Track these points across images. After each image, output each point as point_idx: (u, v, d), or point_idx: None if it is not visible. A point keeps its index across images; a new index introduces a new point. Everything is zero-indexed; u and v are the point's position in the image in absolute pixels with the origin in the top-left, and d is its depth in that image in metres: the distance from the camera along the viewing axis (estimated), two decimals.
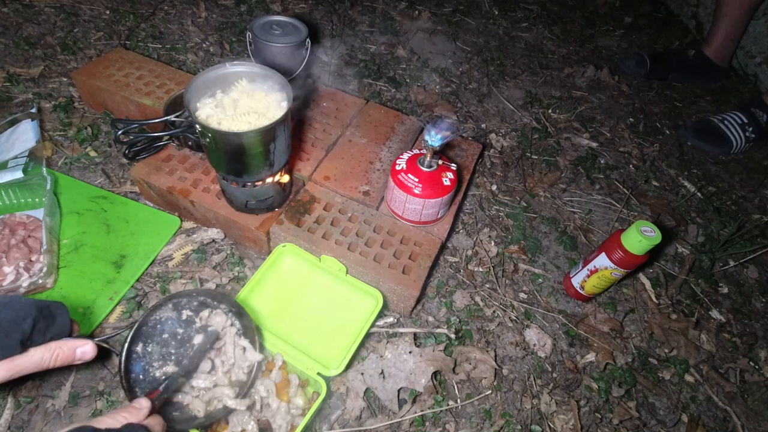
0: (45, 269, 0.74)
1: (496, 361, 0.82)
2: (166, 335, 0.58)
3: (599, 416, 0.80)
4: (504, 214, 1.07)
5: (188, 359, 0.57)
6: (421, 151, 0.82)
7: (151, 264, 0.83)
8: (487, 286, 0.93)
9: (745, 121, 1.33)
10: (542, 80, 1.49)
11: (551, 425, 0.77)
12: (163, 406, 0.55)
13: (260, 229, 0.83)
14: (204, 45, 1.32)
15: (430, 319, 0.86)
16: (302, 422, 0.62)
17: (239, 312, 0.62)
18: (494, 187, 1.13)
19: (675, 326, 0.93)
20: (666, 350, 0.91)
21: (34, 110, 0.97)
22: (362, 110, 1.07)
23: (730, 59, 1.61)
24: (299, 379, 0.69)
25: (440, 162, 0.81)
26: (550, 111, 1.38)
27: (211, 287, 0.82)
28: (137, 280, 0.81)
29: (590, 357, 0.86)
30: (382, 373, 0.76)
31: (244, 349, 0.61)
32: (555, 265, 1.00)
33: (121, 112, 1.04)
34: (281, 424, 0.63)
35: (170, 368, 0.56)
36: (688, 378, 0.87)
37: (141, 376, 0.55)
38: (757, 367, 0.91)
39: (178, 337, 0.59)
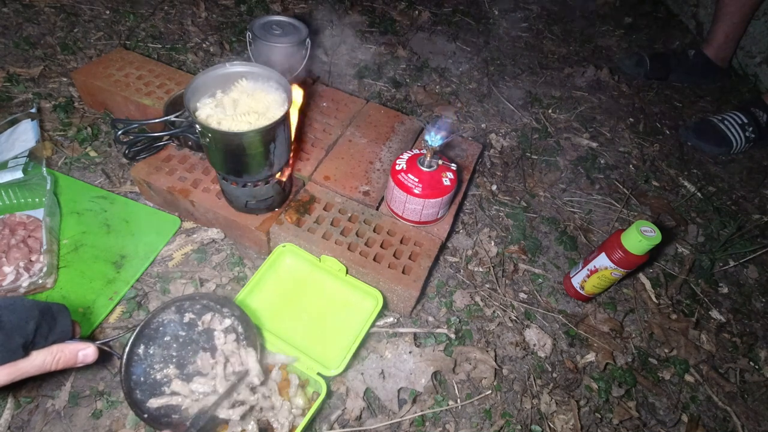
0: (45, 269, 0.74)
1: (496, 361, 0.82)
2: (168, 338, 0.58)
3: (599, 416, 0.80)
4: (504, 214, 1.07)
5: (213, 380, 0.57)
6: (421, 151, 0.82)
7: (151, 264, 0.83)
8: (487, 286, 0.93)
9: (745, 120, 1.33)
10: (542, 80, 1.49)
11: (551, 425, 0.77)
12: (161, 409, 0.55)
13: (260, 229, 0.83)
14: (204, 45, 1.32)
15: (430, 319, 0.86)
16: (302, 422, 0.62)
17: (242, 317, 0.62)
18: (494, 187, 1.13)
19: (675, 326, 0.93)
20: (666, 350, 0.91)
21: (33, 110, 0.97)
22: (362, 110, 1.07)
23: (731, 60, 1.61)
24: (299, 379, 0.69)
25: (440, 162, 0.81)
26: (550, 111, 1.38)
27: (211, 287, 0.82)
28: (137, 280, 0.81)
29: (590, 357, 0.86)
30: (382, 373, 0.76)
31: (242, 355, 0.61)
32: (555, 265, 1.00)
33: (121, 112, 1.04)
34: (282, 424, 0.63)
35: (171, 371, 0.56)
36: (688, 378, 0.87)
37: (142, 378, 0.55)
38: (757, 367, 0.91)
39: (180, 339, 0.59)
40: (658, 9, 1.97)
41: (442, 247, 0.89)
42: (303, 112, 1.03)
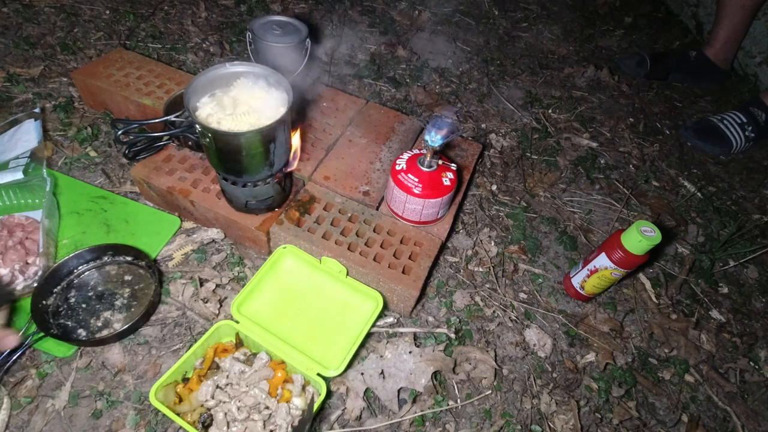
0: (40, 272, 0.74)
1: (496, 361, 0.82)
2: None
3: (599, 416, 0.80)
4: (504, 214, 1.07)
5: None
6: (421, 151, 0.82)
7: None
8: (487, 286, 0.93)
9: (745, 120, 1.33)
10: (542, 80, 1.49)
11: (551, 425, 0.77)
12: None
13: (260, 229, 0.83)
14: (204, 45, 1.32)
15: (430, 319, 0.86)
16: (302, 422, 0.62)
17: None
18: (494, 187, 1.13)
19: (675, 326, 0.93)
20: (666, 350, 0.91)
21: (37, 110, 0.97)
22: (362, 110, 1.07)
23: (732, 62, 1.61)
24: (304, 380, 0.69)
25: (440, 162, 0.81)
26: (550, 111, 1.38)
27: (211, 287, 0.82)
28: None
29: (590, 357, 0.86)
30: (382, 373, 0.76)
31: None
32: (555, 265, 1.00)
33: (121, 112, 1.04)
34: (281, 424, 0.63)
35: None
36: (688, 378, 0.87)
37: None
38: (757, 367, 0.91)
39: None
40: (658, 9, 1.97)
41: (442, 247, 0.89)
42: (303, 112, 1.03)
